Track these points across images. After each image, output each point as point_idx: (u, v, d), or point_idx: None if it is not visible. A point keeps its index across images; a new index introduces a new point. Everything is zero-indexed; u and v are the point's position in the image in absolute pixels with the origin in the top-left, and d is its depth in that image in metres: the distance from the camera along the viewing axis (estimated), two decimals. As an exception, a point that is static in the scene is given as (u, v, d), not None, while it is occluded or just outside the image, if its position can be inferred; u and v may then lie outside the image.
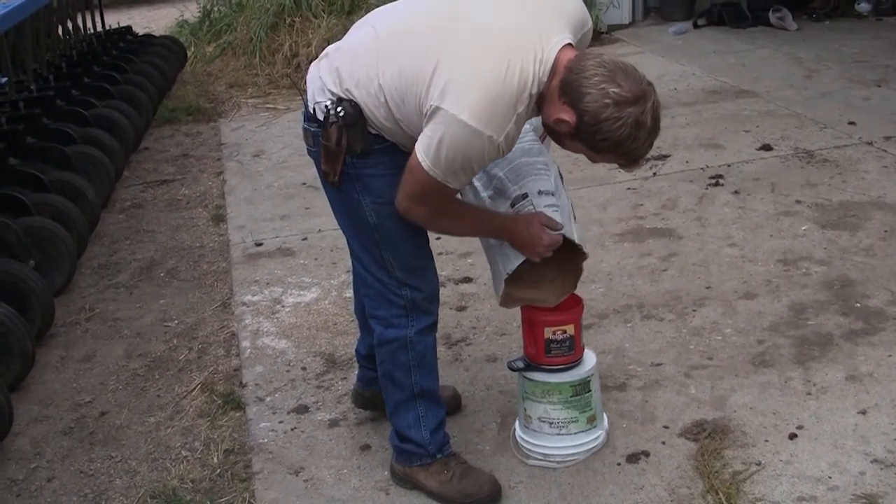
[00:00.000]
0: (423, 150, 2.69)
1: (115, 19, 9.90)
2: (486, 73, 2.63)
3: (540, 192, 3.11)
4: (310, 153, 3.02)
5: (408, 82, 2.72)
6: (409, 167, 2.76)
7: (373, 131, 2.84)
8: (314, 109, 2.89)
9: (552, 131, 2.80)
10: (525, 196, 3.10)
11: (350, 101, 2.80)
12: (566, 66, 2.66)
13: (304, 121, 2.98)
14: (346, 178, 2.91)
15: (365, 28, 2.92)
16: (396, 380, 3.17)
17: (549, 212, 3.06)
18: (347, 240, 3.15)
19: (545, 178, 3.14)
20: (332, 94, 2.83)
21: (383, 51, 2.79)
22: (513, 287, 3.17)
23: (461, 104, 2.62)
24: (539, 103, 2.74)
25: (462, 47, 2.69)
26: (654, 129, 2.67)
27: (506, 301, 3.23)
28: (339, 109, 2.80)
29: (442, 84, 2.64)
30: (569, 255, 3.16)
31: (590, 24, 2.92)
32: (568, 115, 2.65)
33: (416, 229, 3.01)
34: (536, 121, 3.03)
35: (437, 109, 2.64)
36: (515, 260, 3.09)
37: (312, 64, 3.01)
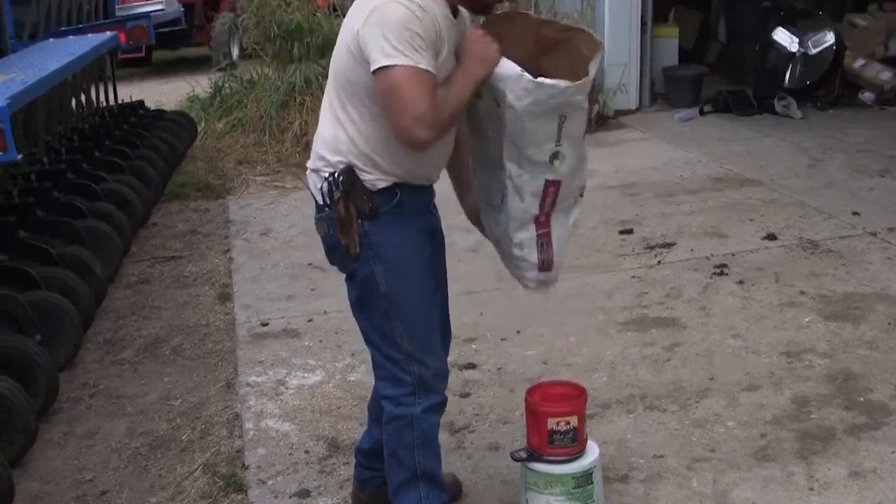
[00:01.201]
0: (376, 59, 2.85)
1: (126, 92, 10.01)
2: None
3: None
4: (325, 241, 3.16)
5: (340, 57, 3.02)
6: (383, 93, 2.88)
7: (370, 187, 3.01)
8: (321, 196, 3.06)
9: None
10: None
11: (339, 164, 3.01)
12: None
13: (316, 213, 3.14)
14: (361, 248, 3.04)
15: None
16: (401, 458, 3.21)
17: None
18: (362, 327, 3.23)
19: None
20: (324, 169, 3.05)
21: (326, 96, 3.13)
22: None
23: (373, 6, 2.88)
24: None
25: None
26: None
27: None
28: (336, 175, 3.00)
29: (355, 26, 2.92)
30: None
31: None
32: None
33: (426, 301, 3.15)
34: None
35: (362, 27, 2.89)
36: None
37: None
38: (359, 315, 3.22)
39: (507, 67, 2.98)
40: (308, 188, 3.17)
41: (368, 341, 3.24)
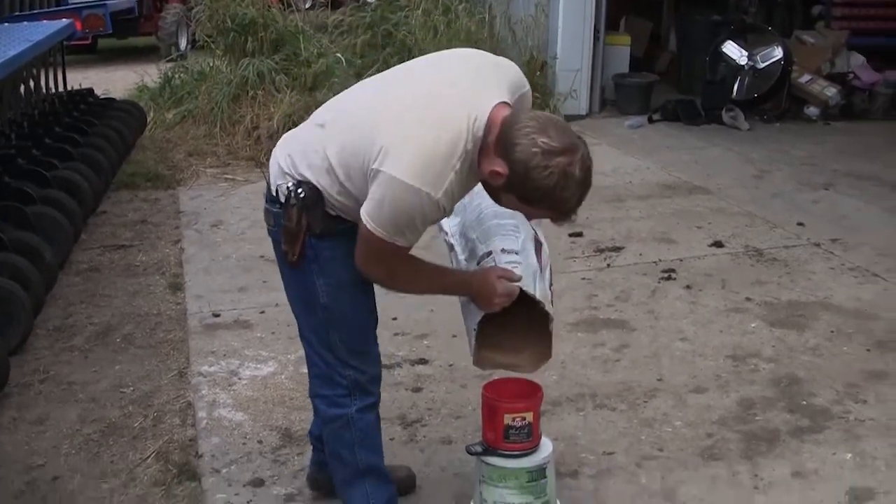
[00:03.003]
0: (367, 213, 2.79)
1: (72, 79, 9.88)
2: (420, 132, 2.75)
3: (503, 251, 3.18)
4: (270, 233, 3.13)
5: (351, 156, 2.85)
6: (360, 232, 2.85)
7: (332, 213, 2.96)
8: (276, 191, 3.00)
9: (488, 186, 2.88)
10: (489, 253, 3.19)
11: (309, 183, 2.93)
12: (501, 121, 2.76)
13: (266, 202, 3.09)
14: (304, 259, 3.01)
15: (312, 125, 3.07)
16: (343, 457, 3.24)
17: (509, 267, 3.14)
18: (297, 320, 3.25)
19: (511, 237, 3.23)
20: (291, 177, 2.96)
21: (327, 136, 2.94)
22: (493, 352, 3.24)
23: (397, 165, 2.72)
24: (479, 159, 2.81)
25: (397, 113, 2.83)
26: (584, 183, 2.75)
27: (482, 363, 3.30)
28: (299, 191, 2.93)
29: (379, 149, 2.75)
30: (539, 321, 3.22)
31: (527, 87, 3.04)
32: (500, 167, 2.74)
33: (363, 313, 3.15)
34: None
35: (377, 172, 2.76)
36: (478, 315, 3.16)
37: (274, 150, 3.14)
38: (296, 309, 3.22)
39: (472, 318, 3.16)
40: (265, 174, 3.12)
41: (303, 336, 3.25)
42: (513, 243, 3.22)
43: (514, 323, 3.18)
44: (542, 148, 2.66)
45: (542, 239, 3.40)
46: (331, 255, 3.00)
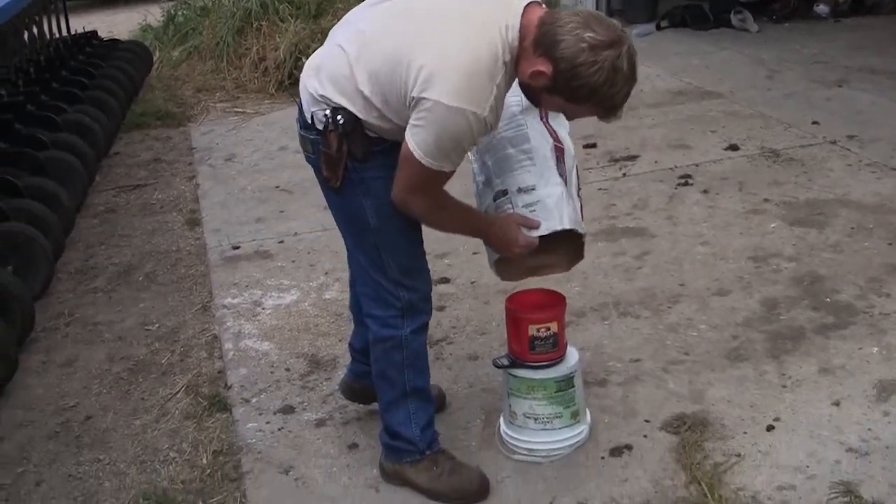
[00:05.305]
0: (413, 141, 2.75)
1: (74, 24, 9.83)
2: (458, 54, 2.70)
3: (519, 190, 3.15)
4: (308, 160, 3.07)
5: (387, 83, 2.79)
6: (402, 158, 2.81)
7: (372, 134, 2.89)
8: (311, 118, 2.93)
9: (529, 88, 2.83)
10: (505, 192, 3.16)
11: (345, 109, 2.86)
12: (538, 22, 2.71)
13: (301, 128, 3.03)
14: (347, 183, 2.96)
15: (335, 46, 2.95)
16: (390, 378, 3.22)
17: (527, 212, 3.12)
18: (346, 241, 3.21)
19: (527, 170, 3.18)
20: (326, 104, 2.89)
21: (354, 62, 2.85)
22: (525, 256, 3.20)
23: (440, 89, 2.68)
24: (515, 66, 2.78)
25: (429, 34, 2.76)
26: (631, 76, 2.71)
27: (509, 272, 3.34)
28: (338, 118, 2.85)
29: (416, 73, 2.70)
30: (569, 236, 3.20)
31: None
32: (544, 66, 2.69)
33: (413, 231, 3.09)
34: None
35: (419, 100, 2.71)
36: (496, 252, 3.20)
37: (301, 76, 3.06)
38: (345, 232, 3.18)
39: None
40: (299, 101, 3.04)
41: (352, 258, 3.23)
42: (528, 178, 3.17)
43: None
44: (590, 42, 2.62)
45: (564, 141, 3.33)
46: (374, 175, 2.94)
